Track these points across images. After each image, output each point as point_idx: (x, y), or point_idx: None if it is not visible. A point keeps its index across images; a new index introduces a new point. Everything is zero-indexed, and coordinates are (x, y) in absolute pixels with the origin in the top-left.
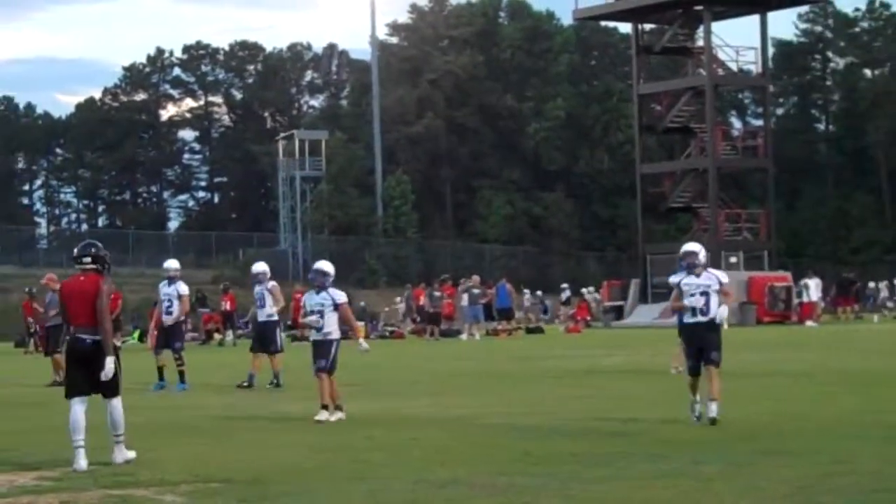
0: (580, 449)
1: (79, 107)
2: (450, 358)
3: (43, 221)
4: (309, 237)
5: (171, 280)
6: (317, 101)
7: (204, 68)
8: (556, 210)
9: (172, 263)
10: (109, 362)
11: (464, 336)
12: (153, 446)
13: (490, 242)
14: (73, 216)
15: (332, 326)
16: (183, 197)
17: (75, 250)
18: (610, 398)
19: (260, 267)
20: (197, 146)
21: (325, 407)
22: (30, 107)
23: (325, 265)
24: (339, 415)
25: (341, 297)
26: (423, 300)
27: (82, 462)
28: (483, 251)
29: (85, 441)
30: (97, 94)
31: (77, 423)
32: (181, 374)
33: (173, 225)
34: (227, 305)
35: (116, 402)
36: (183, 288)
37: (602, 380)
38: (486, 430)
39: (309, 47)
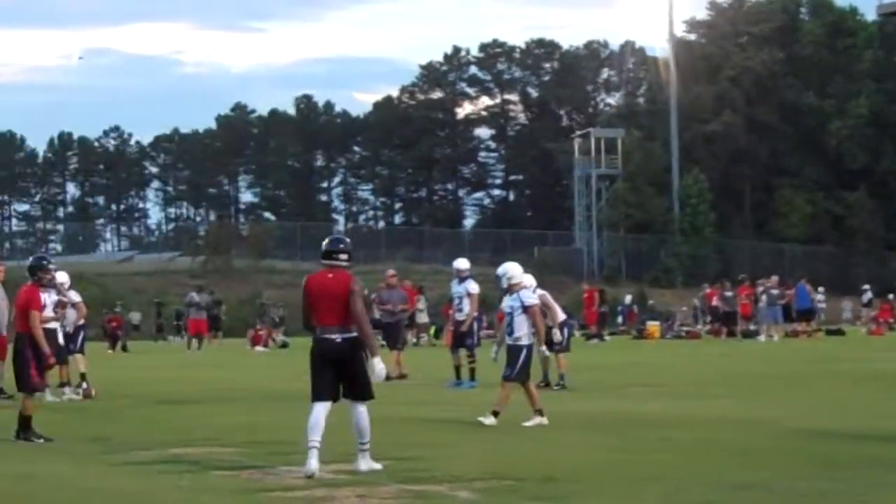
0: (885, 453)
1: (376, 105)
2: (747, 359)
3: (341, 218)
4: (604, 235)
5: (462, 279)
6: (613, 99)
7: (500, 66)
8: (858, 209)
9: (463, 263)
10: (378, 363)
11: (762, 337)
12: (447, 442)
13: (789, 242)
14: (370, 213)
15: (521, 331)
16: (478, 194)
17: (324, 244)
18: None
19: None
20: (492, 144)
21: (495, 413)
22: (328, 105)
23: (506, 267)
24: (537, 419)
25: (530, 299)
26: (715, 300)
27: (313, 463)
28: (782, 251)
29: (321, 443)
30: (394, 93)
31: (316, 424)
32: (472, 371)
33: (469, 222)
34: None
35: (364, 408)
36: (473, 287)
37: None
38: (786, 432)
39: (606, 45)
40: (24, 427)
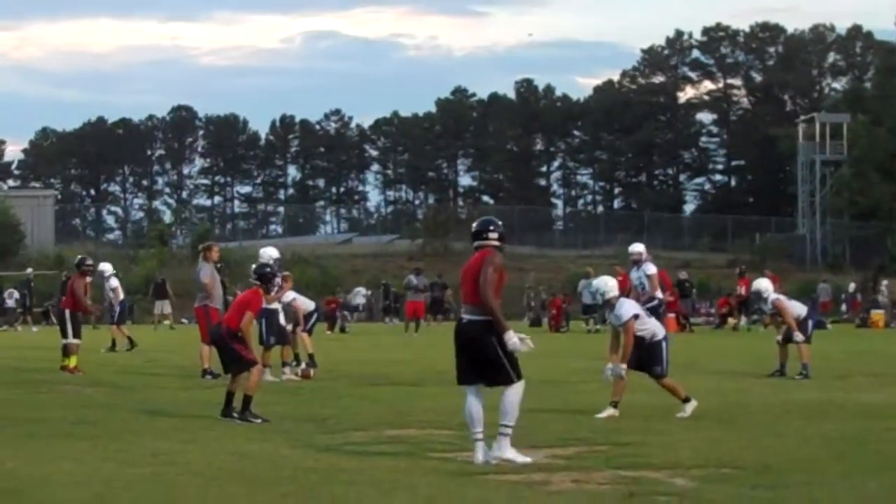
0: None
1: (597, 89)
2: None
3: (559, 203)
4: (828, 222)
5: (637, 263)
6: (839, 84)
7: (723, 50)
8: None
9: (636, 247)
10: (511, 336)
11: None
12: (665, 429)
13: None
14: (589, 198)
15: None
16: (699, 180)
17: (474, 225)
18: None
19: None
20: (714, 129)
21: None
22: (549, 89)
23: (598, 284)
24: (690, 406)
25: (626, 316)
26: None
27: (479, 455)
28: None
29: (483, 433)
30: (615, 77)
31: (470, 414)
32: None
33: (689, 208)
34: (742, 290)
35: (510, 390)
36: (649, 268)
37: None
38: None
39: (832, 28)
40: (245, 406)
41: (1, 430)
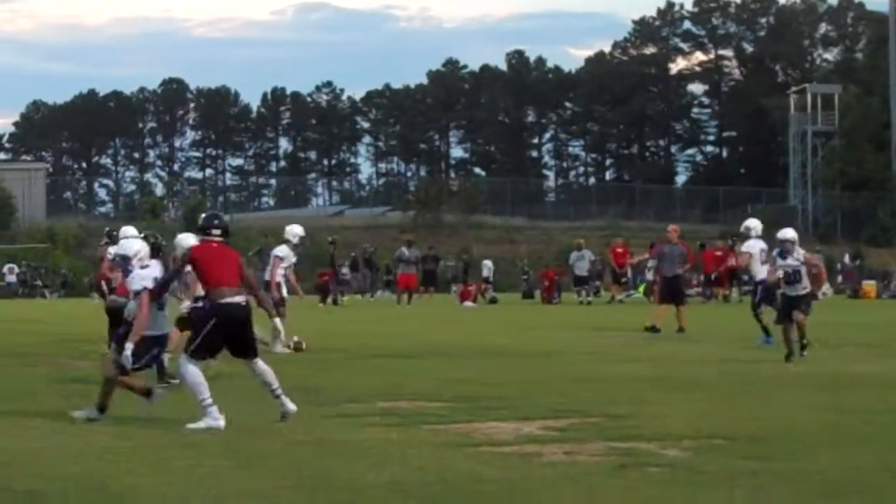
0: None
1: (588, 60)
2: None
3: (551, 174)
4: (819, 193)
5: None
6: (831, 55)
7: (714, 21)
8: None
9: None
10: (279, 323)
11: None
12: (656, 400)
13: None
14: (581, 169)
15: None
16: (691, 151)
17: (200, 219)
18: None
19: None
20: (706, 100)
21: None
22: (540, 61)
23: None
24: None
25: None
26: None
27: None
28: None
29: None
30: (607, 48)
31: (202, 381)
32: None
33: (680, 179)
34: (733, 261)
35: (261, 362)
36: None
37: None
38: None
39: None
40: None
41: None
